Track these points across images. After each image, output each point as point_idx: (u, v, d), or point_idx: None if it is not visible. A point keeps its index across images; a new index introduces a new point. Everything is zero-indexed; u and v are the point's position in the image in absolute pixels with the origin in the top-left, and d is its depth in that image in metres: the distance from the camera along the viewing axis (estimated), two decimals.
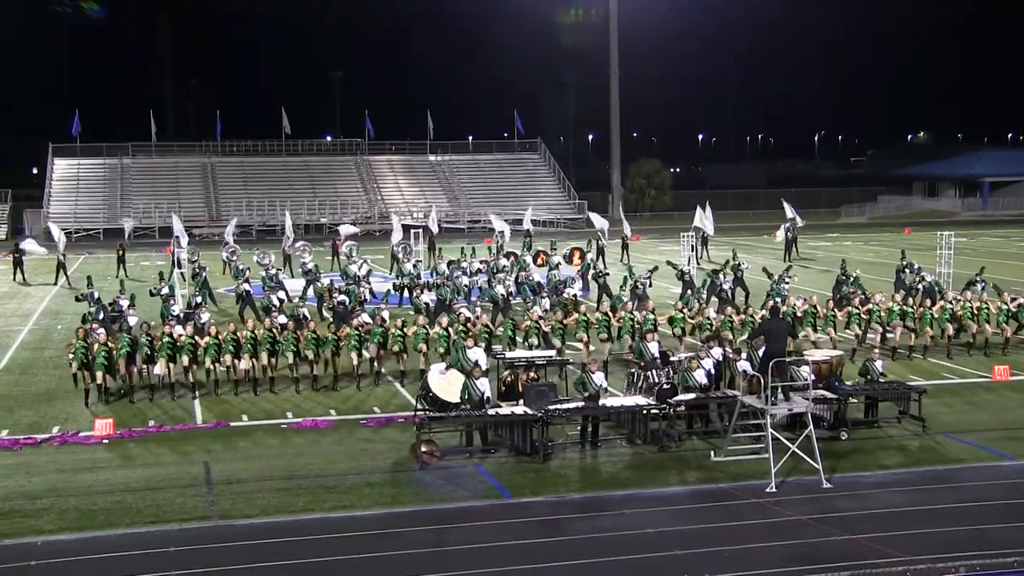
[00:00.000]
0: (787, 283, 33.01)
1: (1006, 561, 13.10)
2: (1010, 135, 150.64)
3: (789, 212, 53.32)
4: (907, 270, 35.19)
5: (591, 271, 38.66)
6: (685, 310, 27.90)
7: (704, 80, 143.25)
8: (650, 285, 33.90)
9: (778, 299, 30.92)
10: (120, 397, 24.04)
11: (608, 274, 37.57)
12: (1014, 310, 28.62)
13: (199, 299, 31.58)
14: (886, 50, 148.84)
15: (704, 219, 49.96)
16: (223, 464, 19.36)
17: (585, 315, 26.55)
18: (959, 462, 19.18)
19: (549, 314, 27.45)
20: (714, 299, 32.56)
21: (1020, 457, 19.37)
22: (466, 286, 35.52)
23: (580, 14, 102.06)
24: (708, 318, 27.10)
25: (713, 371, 21.81)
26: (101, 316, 28.43)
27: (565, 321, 26.49)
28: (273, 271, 37.58)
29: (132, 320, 27.84)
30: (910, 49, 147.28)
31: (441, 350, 24.75)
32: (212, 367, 24.44)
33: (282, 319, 27.04)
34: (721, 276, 33.98)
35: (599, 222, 51.83)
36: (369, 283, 35.89)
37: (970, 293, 29.51)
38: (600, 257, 47.39)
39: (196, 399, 23.95)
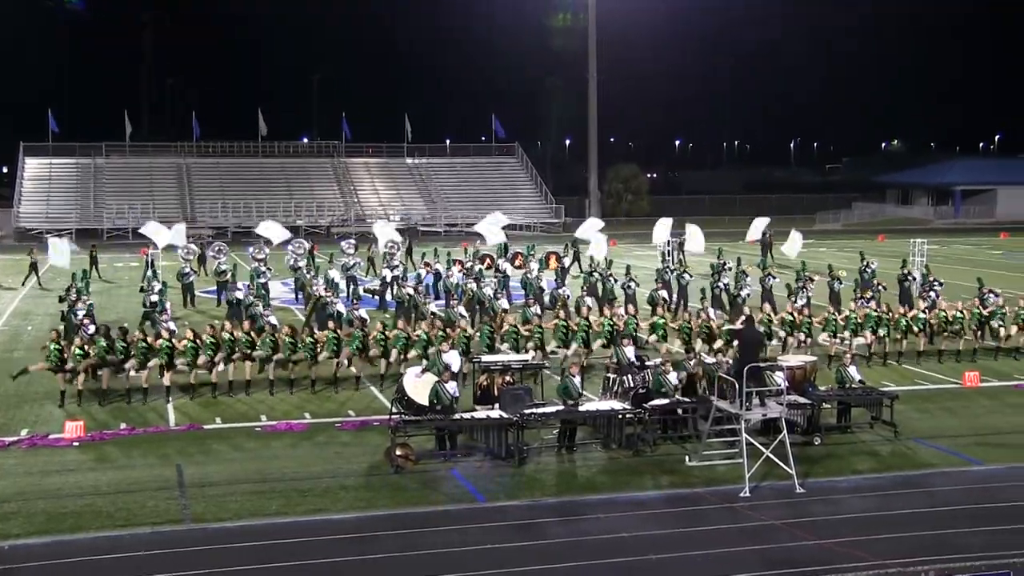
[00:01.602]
0: (774, 280, 34.90)
1: (975, 565, 13.23)
2: (981, 144, 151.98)
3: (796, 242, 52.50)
4: (868, 269, 36.99)
5: (592, 274, 38.34)
6: (667, 315, 28.09)
7: (682, 86, 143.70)
8: (638, 286, 34.06)
9: (743, 293, 31.75)
10: (94, 399, 23.85)
11: (606, 274, 37.29)
12: (986, 316, 28.83)
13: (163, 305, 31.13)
14: (863, 59, 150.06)
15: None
16: (196, 467, 19.26)
17: (566, 321, 26.56)
18: (930, 467, 19.34)
19: (541, 318, 27.52)
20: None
21: (989, 462, 19.56)
22: (457, 284, 35.48)
23: (559, 18, 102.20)
24: (688, 323, 27.13)
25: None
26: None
27: (546, 326, 26.50)
28: (264, 268, 37.60)
29: (82, 314, 27.97)
30: (888, 57, 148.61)
31: (414, 353, 24.79)
32: (189, 370, 24.28)
33: (273, 319, 26.95)
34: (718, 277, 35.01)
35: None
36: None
37: (944, 302, 29.91)
38: (576, 262, 47.47)
39: (170, 402, 23.81)
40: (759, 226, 51.75)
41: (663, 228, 49.14)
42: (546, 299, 34.07)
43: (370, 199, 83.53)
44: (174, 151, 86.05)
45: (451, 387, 20.02)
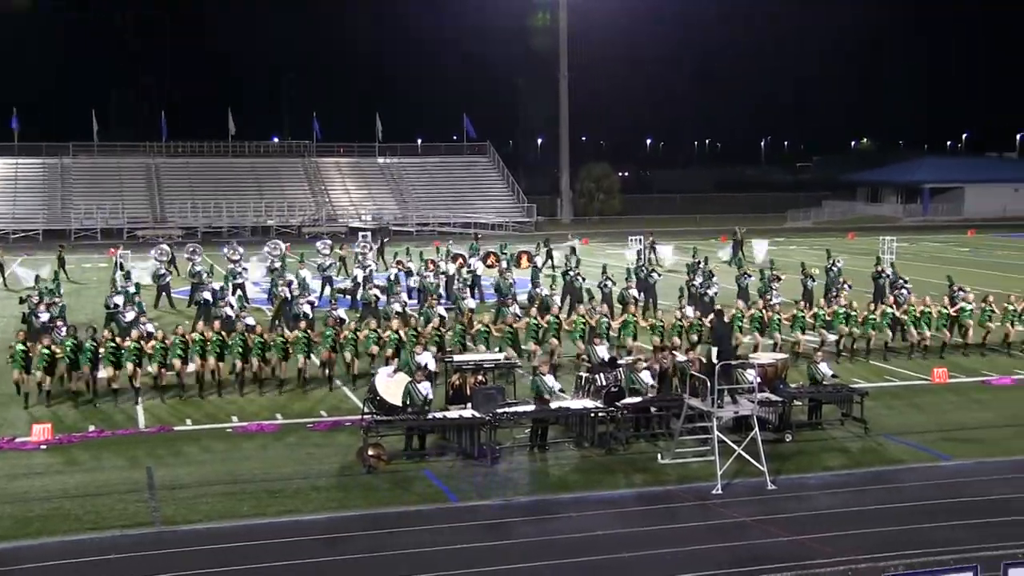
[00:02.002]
0: (749, 278, 34.98)
1: (943, 559, 13.34)
2: (949, 143, 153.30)
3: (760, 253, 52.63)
4: (834, 267, 36.93)
5: (568, 272, 38.09)
6: (639, 314, 28.20)
7: (653, 85, 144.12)
8: (614, 284, 34.02)
9: (711, 292, 32.31)
10: (62, 402, 23.65)
11: (574, 273, 37.12)
12: (954, 315, 29.04)
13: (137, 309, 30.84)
14: (833, 58, 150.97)
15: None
16: (166, 469, 19.13)
17: (536, 319, 26.58)
18: (899, 463, 19.48)
19: (520, 318, 27.51)
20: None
21: (957, 457, 19.71)
22: (432, 282, 35.32)
23: (532, 18, 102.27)
24: (660, 321, 27.23)
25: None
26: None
27: (516, 325, 26.50)
28: (240, 269, 37.37)
29: (44, 316, 27.71)
30: (858, 56, 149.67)
31: (389, 352, 24.80)
32: (159, 372, 24.13)
33: (250, 320, 26.75)
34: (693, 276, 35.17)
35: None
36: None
37: (914, 298, 30.07)
38: (548, 260, 47.52)
39: (139, 404, 23.64)
40: (728, 250, 52.13)
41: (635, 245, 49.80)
42: (523, 298, 34.05)
43: (341, 199, 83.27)
44: (143, 151, 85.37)
45: (424, 387, 19.96)
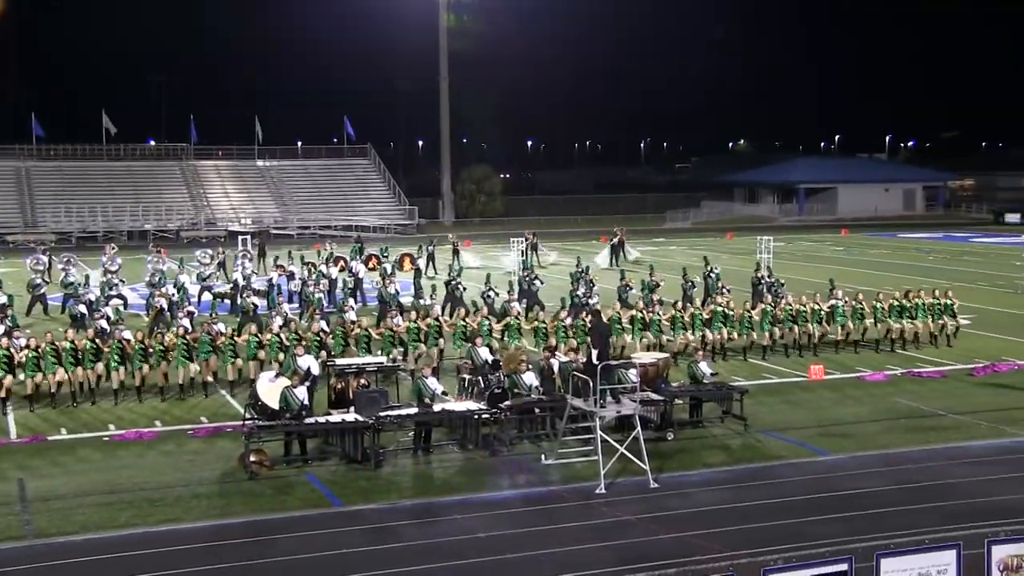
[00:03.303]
0: (630, 290, 34.56)
1: (820, 552, 13.67)
2: (823, 144, 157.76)
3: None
4: (712, 274, 36.85)
5: (451, 281, 37.81)
6: (521, 317, 28.30)
7: (533, 87, 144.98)
8: (497, 295, 33.94)
9: (591, 301, 32.00)
10: None
11: (459, 283, 36.96)
12: (827, 311, 29.85)
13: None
14: (710, 61, 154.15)
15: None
16: (39, 480, 18.54)
17: (417, 323, 26.52)
18: (778, 459, 19.93)
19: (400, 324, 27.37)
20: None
21: (833, 452, 20.27)
22: (313, 292, 34.83)
23: (412, 19, 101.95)
24: (543, 322, 27.40)
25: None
26: None
27: (396, 330, 26.38)
28: (116, 280, 36.42)
29: None
30: (734, 58, 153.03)
31: (279, 356, 24.47)
32: (29, 383, 23.32)
33: (127, 334, 25.95)
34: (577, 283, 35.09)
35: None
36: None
37: (791, 296, 30.82)
38: (430, 263, 47.45)
39: (8, 413, 22.86)
40: (605, 255, 52.79)
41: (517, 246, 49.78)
42: (406, 302, 33.91)
43: (220, 202, 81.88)
44: (12, 154, 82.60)
45: (300, 392, 19.73)
